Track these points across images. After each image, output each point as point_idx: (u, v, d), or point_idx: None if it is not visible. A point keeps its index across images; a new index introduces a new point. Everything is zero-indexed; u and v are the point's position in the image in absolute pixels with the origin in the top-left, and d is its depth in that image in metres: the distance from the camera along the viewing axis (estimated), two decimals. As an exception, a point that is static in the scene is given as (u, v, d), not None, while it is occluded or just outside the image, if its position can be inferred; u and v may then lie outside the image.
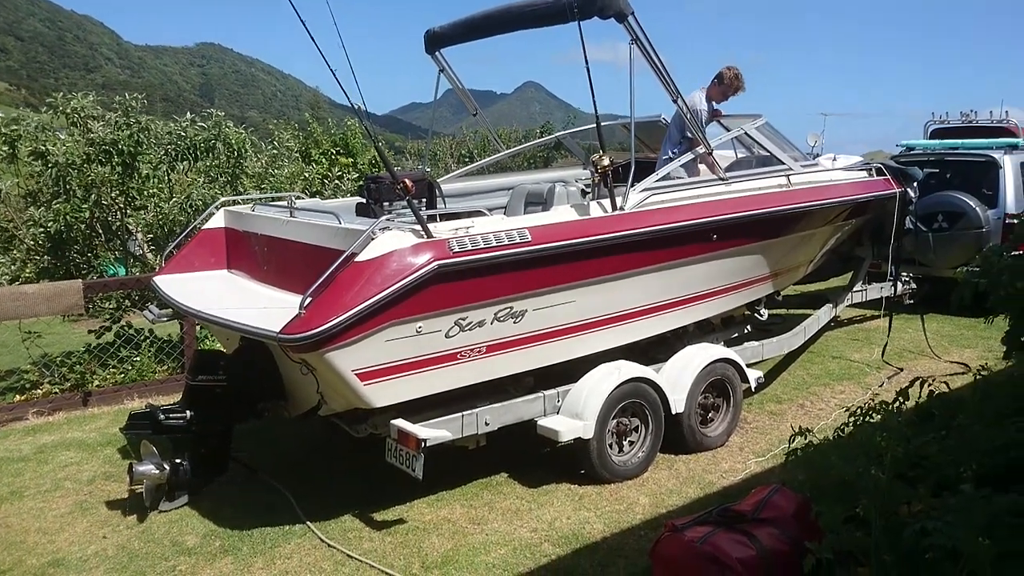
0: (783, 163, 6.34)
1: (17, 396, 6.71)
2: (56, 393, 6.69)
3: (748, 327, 6.78)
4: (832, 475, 3.33)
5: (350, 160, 16.25)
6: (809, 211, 6.28)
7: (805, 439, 3.62)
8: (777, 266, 6.37)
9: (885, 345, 7.63)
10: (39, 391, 6.70)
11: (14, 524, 4.58)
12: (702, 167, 6.17)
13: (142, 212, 10.02)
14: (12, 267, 10.98)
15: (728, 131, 6.40)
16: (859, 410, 3.78)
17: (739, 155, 6.98)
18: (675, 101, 5.55)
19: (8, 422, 6.31)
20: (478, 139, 19.16)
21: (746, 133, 6.38)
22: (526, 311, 4.54)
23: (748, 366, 5.80)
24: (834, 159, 7.61)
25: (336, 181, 13.34)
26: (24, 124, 9.08)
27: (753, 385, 5.81)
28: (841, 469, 3.21)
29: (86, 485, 5.10)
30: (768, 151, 6.41)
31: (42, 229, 9.58)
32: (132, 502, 4.71)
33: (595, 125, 5.04)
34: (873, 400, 4.02)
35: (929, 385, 3.96)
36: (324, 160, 16.05)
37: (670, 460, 5.29)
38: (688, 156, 5.90)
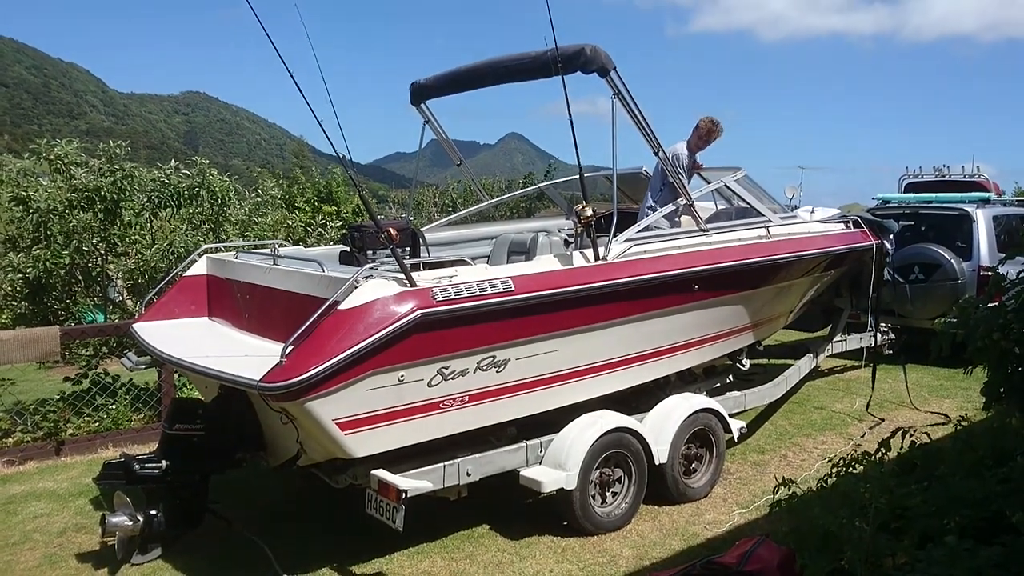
0: (763, 215, 6.44)
1: (-13, 445, 6.55)
2: (28, 442, 6.54)
3: (730, 377, 6.80)
4: (816, 527, 3.32)
5: (333, 208, 16.31)
6: (789, 262, 6.36)
7: (789, 490, 3.61)
8: (758, 316, 6.42)
9: (870, 398, 7.64)
10: (10, 440, 6.55)
11: (-21, 578, 4.44)
12: (684, 218, 6.25)
13: (123, 258, 9.96)
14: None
15: (709, 183, 6.51)
16: (842, 461, 3.79)
17: (719, 207, 7.08)
18: (656, 153, 5.65)
19: (-23, 472, 6.15)
20: (461, 188, 19.28)
21: (726, 185, 6.50)
22: (509, 360, 4.53)
23: (731, 416, 5.80)
24: (812, 211, 7.74)
25: (319, 229, 13.36)
26: (6, 169, 9.05)
27: (736, 435, 5.81)
28: (825, 520, 3.20)
29: (56, 537, 4.97)
30: (748, 203, 6.52)
31: (20, 275, 9.49)
32: (104, 555, 4.59)
33: (578, 176, 5.10)
34: (855, 451, 4.03)
35: (910, 436, 3.98)
36: (308, 208, 16.09)
37: (653, 511, 5.24)
38: (670, 207, 5.98)
